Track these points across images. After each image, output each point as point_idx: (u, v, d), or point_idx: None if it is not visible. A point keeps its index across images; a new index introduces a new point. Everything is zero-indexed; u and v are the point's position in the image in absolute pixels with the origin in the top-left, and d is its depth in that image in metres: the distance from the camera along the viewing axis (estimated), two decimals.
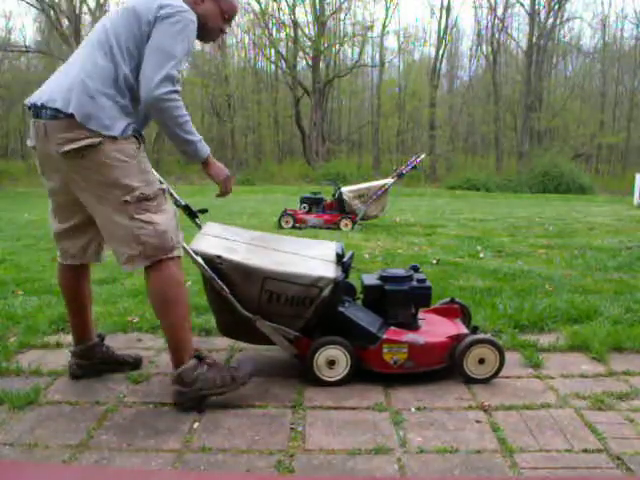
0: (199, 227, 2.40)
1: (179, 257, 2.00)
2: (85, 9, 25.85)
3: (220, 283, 2.13)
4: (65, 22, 24.88)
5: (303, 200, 7.50)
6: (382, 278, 2.39)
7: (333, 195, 7.37)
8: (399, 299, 2.32)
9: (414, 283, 2.35)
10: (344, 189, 7.21)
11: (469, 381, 2.23)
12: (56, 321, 2.85)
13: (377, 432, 1.85)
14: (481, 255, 4.98)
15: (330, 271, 2.19)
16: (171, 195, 2.32)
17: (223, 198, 2.20)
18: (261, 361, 2.46)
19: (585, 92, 33.40)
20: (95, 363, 2.28)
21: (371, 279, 2.42)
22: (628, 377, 2.30)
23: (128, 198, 1.90)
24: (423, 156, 7.78)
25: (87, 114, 1.85)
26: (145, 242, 1.91)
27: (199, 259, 2.11)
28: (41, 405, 2.03)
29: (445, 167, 29.60)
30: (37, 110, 1.90)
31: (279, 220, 7.13)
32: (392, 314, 2.33)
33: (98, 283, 3.73)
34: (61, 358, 2.44)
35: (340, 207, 7.18)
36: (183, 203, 2.31)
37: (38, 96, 1.93)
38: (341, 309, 2.24)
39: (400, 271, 2.43)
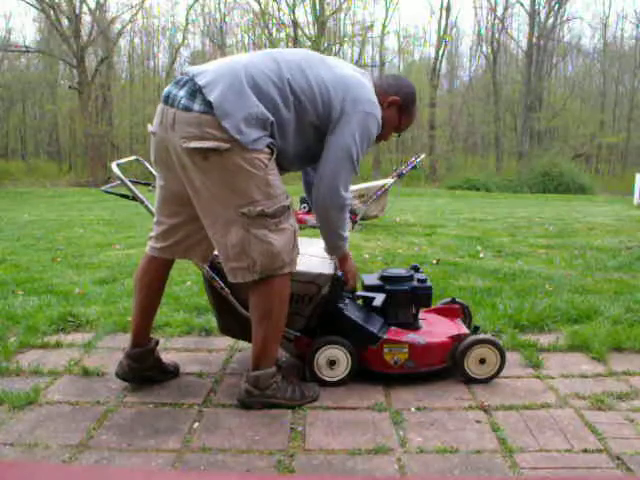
0: None
1: (289, 273, 1.94)
2: (85, 9, 25.85)
3: (220, 283, 2.13)
4: (65, 22, 24.87)
5: (303, 200, 7.50)
6: (383, 278, 2.38)
7: None
8: (400, 299, 2.32)
9: (415, 283, 2.35)
10: None
11: (469, 381, 2.23)
12: (56, 321, 2.85)
13: (377, 432, 1.85)
14: (481, 255, 4.98)
15: (329, 268, 2.19)
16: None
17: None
18: None
19: (585, 92, 33.42)
20: (144, 369, 2.18)
21: (372, 279, 2.42)
22: (628, 377, 2.30)
23: (246, 210, 1.81)
24: (423, 156, 7.78)
25: (225, 110, 1.74)
26: (255, 259, 1.84)
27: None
28: (41, 405, 2.03)
29: (445, 167, 29.59)
30: (172, 96, 1.81)
31: None
32: (393, 314, 2.33)
33: (98, 283, 3.73)
34: (61, 358, 2.45)
35: None
36: None
37: (197, 70, 1.84)
38: (341, 309, 2.24)
39: (401, 271, 2.43)
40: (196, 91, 1.79)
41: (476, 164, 30.53)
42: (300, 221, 7.11)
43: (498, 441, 1.79)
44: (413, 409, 2.01)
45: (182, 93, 1.80)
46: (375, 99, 1.97)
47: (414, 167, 7.48)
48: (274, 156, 1.87)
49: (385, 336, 2.22)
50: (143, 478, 0.48)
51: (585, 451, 1.73)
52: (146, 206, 2.30)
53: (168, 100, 1.83)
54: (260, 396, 1.98)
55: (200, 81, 1.79)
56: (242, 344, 2.65)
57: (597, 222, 8.06)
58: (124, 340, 2.69)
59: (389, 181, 7.19)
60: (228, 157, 1.77)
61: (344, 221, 2.00)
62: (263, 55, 1.94)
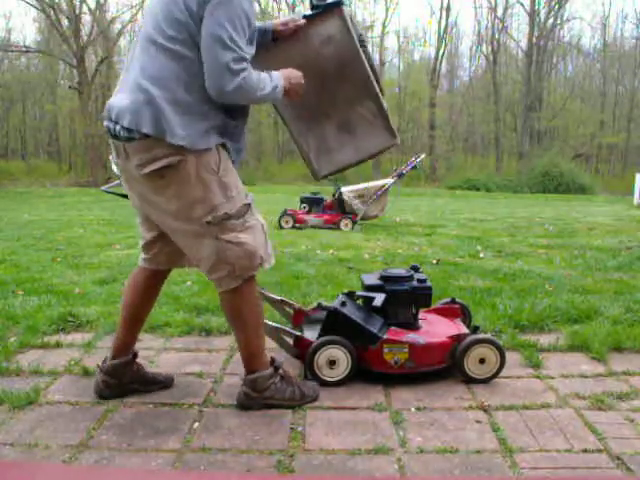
0: None
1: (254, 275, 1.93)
2: (85, 9, 25.85)
3: None
4: (65, 22, 24.87)
5: (303, 200, 7.50)
6: (383, 278, 2.38)
7: (333, 195, 7.37)
8: (400, 299, 2.32)
9: (415, 283, 2.35)
10: (344, 189, 7.21)
11: (469, 381, 2.23)
12: (56, 321, 2.85)
13: (377, 432, 1.85)
14: (481, 255, 4.98)
15: None
16: None
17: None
18: None
19: (585, 92, 33.43)
20: (124, 383, 2.09)
21: (372, 279, 2.42)
22: (628, 377, 2.30)
23: (210, 218, 1.79)
24: (423, 156, 7.79)
25: (159, 127, 1.72)
26: (234, 263, 1.83)
27: None
28: (41, 405, 2.03)
29: (445, 167, 29.60)
30: (112, 128, 1.79)
31: (279, 220, 7.12)
32: (393, 314, 2.33)
33: (98, 283, 3.73)
34: (61, 358, 2.44)
35: (340, 207, 7.18)
36: None
37: (108, 108, 1.81)
38: (341, 309, 2.24)
39: (401, 271, 2.43)
40: None
41: (476, 164, 30.53)
42: (300, 221, 7.12)
43: (498, 441, 1.79)
44: (413, 409, 2.01)
45: (118, 127, 1.77)
46: None
47: (414, 167, 7.49)
48: (224, 157, 1.84)
49: (385, 336, 2.22)
50: (143, 478, 0.48)
51: (585, 451, 1.73)
52: None
53: (112, 134, 1.81)
54: (259, 398, 1.98)
55: (124, 122, 1.75)
56: None
57: (597, 222, 8.06)
58: None
59: (389, 181, 7.20)
60: (183, 169, 1.76)
61: (256, 82, 1.78)
62: (140, 39, 1.85)
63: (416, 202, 12.91)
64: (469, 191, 19.52)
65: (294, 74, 1.96)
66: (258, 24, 1.99)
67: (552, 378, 2.29)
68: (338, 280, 3.77)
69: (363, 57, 2.07)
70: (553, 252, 5.15)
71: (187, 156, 1.76)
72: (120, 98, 1.79)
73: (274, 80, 1.86)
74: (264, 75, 1.83)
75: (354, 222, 6.99)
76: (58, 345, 2.61)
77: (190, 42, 1.74)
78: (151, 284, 2.11)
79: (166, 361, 2.45)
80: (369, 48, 2.22)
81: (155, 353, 2.54)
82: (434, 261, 4.57)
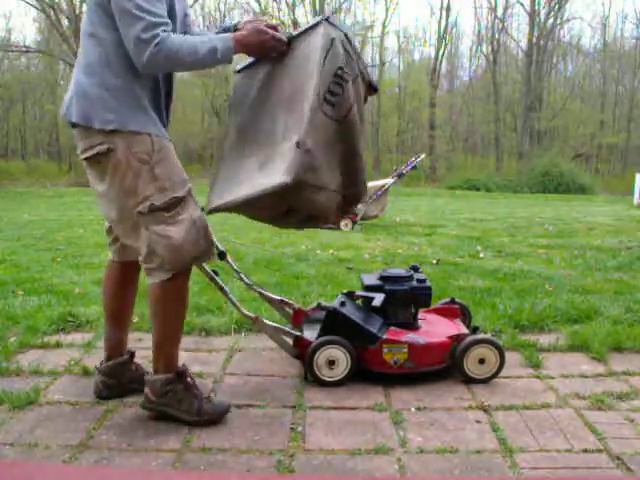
0: None
1: (187, 275, 1.89)
2: (85, 9, 25.81)
3: (221, 283, 2.13)
4: (65, 22, 24.86)
5: None
6: (382, 278, 2.38)
7: None
8: (399, 299, 2.32)
9: (414, 283, 2.35)
10: None
11: (469, 381, 2.23)
12: (56, 321, 2.85)
13: (377, 432, 1.85)
14: (481, 255, 4.98)
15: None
16: None
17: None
18: (261, 361, 2.46)
19: (585, 92, 33.43)
20: (123, 383, 2.09)
21: (371, 279, 2.42)
22: (628, 377, 2.30)
23: (141, 208, 1.78)
24: (423, 156, 7.79)
25: (86, 115, 1.75)
26: (162, 256, 1.79)
27: None
28: (41, 405, 2.03)
29: (445, 167, 29.60)
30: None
31: None
32: (392, 314, 2.33)
33: (98, 283, 3.73)
34: (61, 358, 2.44)
35: None
36: None
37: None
38: (340, 309, 2.24)
39: (400, 271, 2.43)
40: None
41: (476, 164, 30.54)
42: None
43: (498, 441, 1.79)
44: (413, 409, 2.01)
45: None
46: None
47: (414, 167, 7.50)
48: (158, 147, 1.81)
49: (384, 336, 2.22)
50: (143, 478, 0.48)
51: (585, 451, 1.73)
52: None
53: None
54: (156, 403, 1.89)
55: (63, 112, 1.83)
56: (242, 344, 2.65)
57: (597, 222, 8.06)
58: None
59: (389, 181, 7.20)
60: (113, 157, 1.77)
61: (179, 46, 1.70)
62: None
63: (416, 202, 12.91)
64: (469, 191, 19.52)
65: (255, 29, 1.83)
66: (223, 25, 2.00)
67: (552, 378, 2.29)
68: (338, 280, 3.77)
69: (316, 88, 1.76)
70: (553, 252, 5.15)
71: (117, 144, 1.76)
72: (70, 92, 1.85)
73: (214, 41, 1.75)
74: (197, 39, 1.75)
75: (354, 222, 6.99)
76: (58, 345, 2.61)
77: (108, 24, 1.73)
78: (125, 278, 2.10)
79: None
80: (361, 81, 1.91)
81: None
82: (434, 261, 4.57)
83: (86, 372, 2.29)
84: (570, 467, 1.64)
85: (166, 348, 1.92)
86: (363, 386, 2.19)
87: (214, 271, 2.14)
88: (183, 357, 2.48)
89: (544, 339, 2.69)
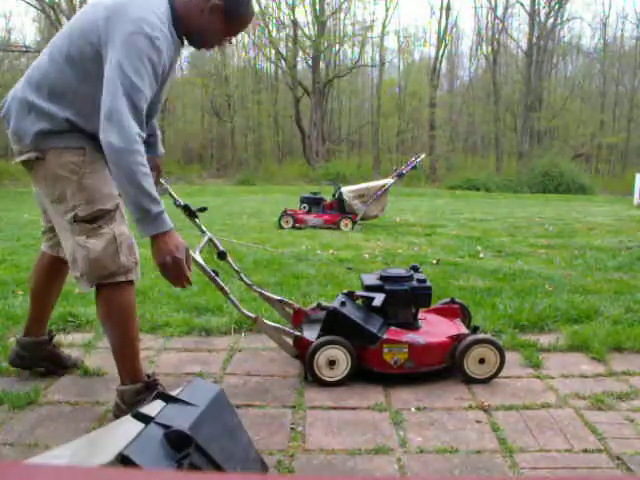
0: (199, 228, 2.39)
1: (129, 282, 1.85)
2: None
3: (221, 283, 2.13)
4: (65, 22, 24.86)
5: (303, 200, 7.50)
6: (382, 278, 2.38)
7: (333, 195, 7.38)
8: (399, 299, 2.32)
9: (414, 283, 2.35)
10: (344, 189, 7.21)
11: (469, 381, 2.23)
12: (56, 321, 2.85)
13: (377, 432, 1.85)
14: (481, 255, 4.98)
15: None
16: (170, 195, 2.31)
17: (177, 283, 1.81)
18: (261, 361, 2.46)
19: (585, 92, 33.41)
20: (35, 359, 2.24)
21: (371, 279, 2.42)
22: (628, 377, 2.30)
23: (68, 217, 1.80)
24: (423, 156, 7.79)
25: (23, 129, 1.78)
26: (82, 266, 1.80)
27: (200, 260, 2.11)
28: (41, 405, 2.03)
29: (445, 167, 29.58)
30: None
31: (279, 220, 7.13)
32: (392, 314, 2.32)
33: None
34: None
35: (340, 207, 7.18)
36: (182, 203, 2.30)
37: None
38: (341, 309, 2.24)
39: (400, 271, 2.43)
40: None
41: (476, 164, 30.51)
42: (300, 221, 7.11)
43: (498, 441, 1.79)
44: (413, 409, 2.01)
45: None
46: (149, 15, 1.67)
47: (414, 167, 7.49)
48: (89, 159, 1.80)
49: (385, 336, 2.22)
50: (143, 478, 0.48)
51: (585, 451, 1.73)
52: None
53: None
54: (127, 411, 1.84)
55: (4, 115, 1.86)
56: (242, 344, 2.65)
57: (597, 222, 8.06)
58: None
59: (389, 181, 7.20)
60: (42, 165, 1.80)
61: (143, 168, 1.62)
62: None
63: (416, 202, 12.90)
64: (469, 191, 19.51)
65: (179, 247, 1.70)
66: None
67: (552, 378, 2.29)
68: (338, 280, 3.77)
69: None
70: (553, 252, 5.15)
71: (46, 154, 1.79)
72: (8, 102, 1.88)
73: (156, 207, 1.65)
74: (153, 186, 1.67)
75: (354, 222, 6.99)
76: (58, 345, 2.60)
77: (81, 79, 1.73)
78: (53, 269, 2.18)
79: (166, 361, 2.45)
80: None
81: (155, 353, 2.54)
82: (434, 261, 4.57)
83: (86, 372, 2.30)
84: (570, 467, 1.64)
85: (125, 361, 1.91)
86: (363, 386, 2.19)
87: (214, 271, 2.14)
88: (183, 357, 2.49)
89: (544, 339, 2.69)
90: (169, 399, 1.35)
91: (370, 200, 7.00)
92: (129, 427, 1.31)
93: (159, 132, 2.20)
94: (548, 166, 21.16)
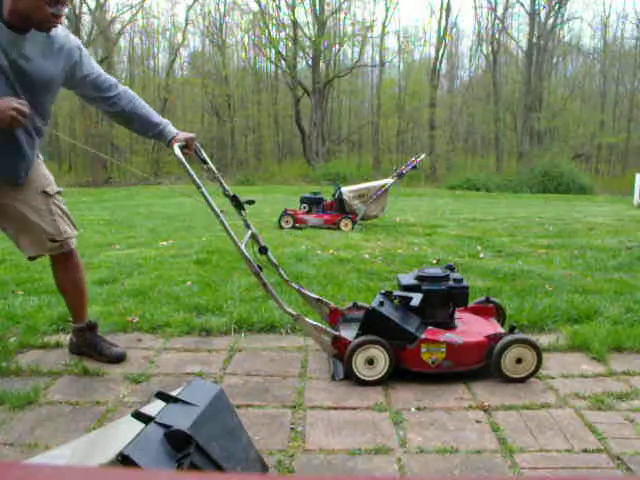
0: (244, 221, 2.38)
1: None
2: (85, 9, 25.83)
3: (263, 279, 2.18)
4: (65, 22, 24.84)
5: (303, 200, 7.50)
6: (419, 278, 2.39)
7: (333, 195, 7.37)
8: (437, 299, 2.32)
9: (451, 283, 2.35)
10: (344, 189, 7.20)
11: (507, 381, 2.22)
12: (56, 321, 2.85)
13: (377, 432, 1.85)
14: (481, 255, 4.98)
15: None
16: (220, 184, 2.32)
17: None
18: (261, 361, 2.46)
19: (585, 92, 33.40)
20: (79, 344, 2.47)
21: (408, 279, 2.42)
22: (628, 377, 2.30)
23: None
24: (423, 156, 7.78)
25: None
26: None
27: (247, 254, 2.15)
28: (41, 405, 2.03)
29: (445, 167, 29.58)
30: None
31: (279, 220, 7.12)
32: (430, 314, 2.33)
33: (98, 283, 3.73)
34: (61, 358, 2.44)
35: (340, 207, 7.18)
36: (231, 194, 2.32)
37: None
38: (379, 308, 2.25)
39: (437, 271, 2.43)
40: None
41: (476, 164, 30.51)
42: (300, 221, 7.11)
43: (498, 441, 1.79)
44: (413, 409, 2.01)
45: None
46: None
47: (414, 167, 7.49)
48: None
49: (423, 336, 2.22)
50: (143, 478, 0.48)
51: (585, 451, 1.73)
52: (203, 193, 2.19)
53: None
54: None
55: None
56: (242, 344, 2.65)
57: (597, 222, 8.06)
58: (124, 340, 2.69)
59: (389, 181, 7.19)
60: None
61: None
62: None
63: (416, 202, 12.90)
64: (469, 191, 19.52)
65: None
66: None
67: (552, 378, 2.29)
68: (338, 280, 3.77)
69: None
70: (553, 252, 5.15)
71: None
72: None
73: None
74: None
75: (354, 222, 6.99)
76: (58, 345, 2.61)
77: None
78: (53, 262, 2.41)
79: (166, 361, 2.45)
80: None
81: (155, 353, 2.54)
82: (434, 261, 4.56)
83: (86, 372, 2.30)
84: (570, 467, 1.64)
85: None
86: (363, 386, 2.19)
87: (259, 266, 2.16)
88: (183, 357, 2.49)
89: (544, 339, 2.68)
90: (169, 399, 1.35)
91: (370, 200, 7.00)
92: (129, 427, 1.31)
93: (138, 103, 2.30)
94: (548, 166, 21.17)
